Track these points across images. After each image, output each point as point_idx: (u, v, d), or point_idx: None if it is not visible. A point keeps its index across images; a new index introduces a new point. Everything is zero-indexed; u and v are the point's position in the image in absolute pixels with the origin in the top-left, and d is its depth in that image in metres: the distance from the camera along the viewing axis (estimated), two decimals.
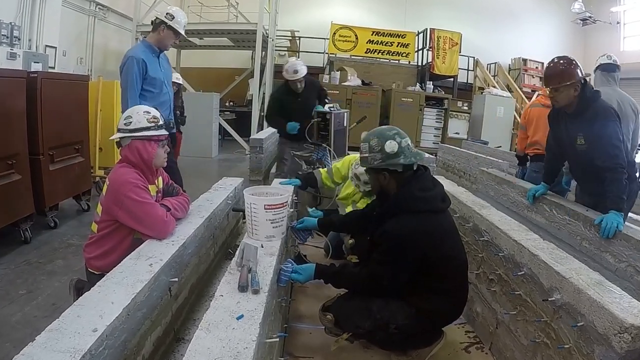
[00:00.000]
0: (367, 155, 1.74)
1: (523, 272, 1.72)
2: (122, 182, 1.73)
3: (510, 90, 10.10)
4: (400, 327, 1.68)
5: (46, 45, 5.33)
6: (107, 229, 1.78)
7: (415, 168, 1.76)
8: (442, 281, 1.69)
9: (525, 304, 1.70)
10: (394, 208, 1.69)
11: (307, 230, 2.02)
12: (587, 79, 2.33)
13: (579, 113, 2.33)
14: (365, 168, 1.83)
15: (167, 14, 2.89)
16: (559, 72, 2.30)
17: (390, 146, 1.69)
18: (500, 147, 7.12)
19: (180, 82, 5.20)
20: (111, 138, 1.90)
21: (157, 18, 2.91)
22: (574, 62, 2.31)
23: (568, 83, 2.27)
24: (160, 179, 2.02)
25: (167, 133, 1.89)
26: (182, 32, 2.95)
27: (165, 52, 3.04)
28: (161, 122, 1.86)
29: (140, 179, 1.78)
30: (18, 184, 3.10)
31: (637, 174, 2.53)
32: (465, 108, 9.04)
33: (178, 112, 5.03)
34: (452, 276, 1.73)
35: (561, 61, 2.33)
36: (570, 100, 2.32)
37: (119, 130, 1.83)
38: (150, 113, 1.85)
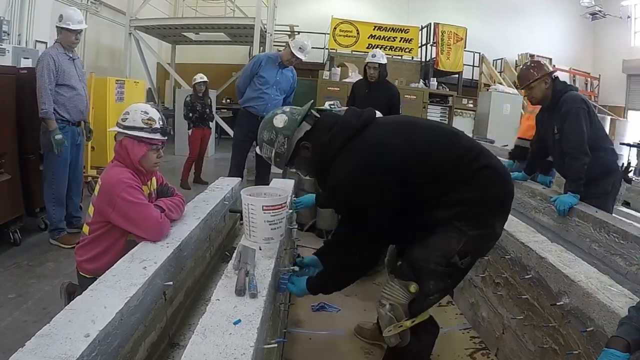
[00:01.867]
0: (274, 151, 1.52)
1: (530, 276, 1.72)
2: (115, 182, 1.72)
3: (517, 87, 10.11)
4: (464, 252, 1.41)
5: (36, 41, 5.33)
6: (99, 231, 1.78)
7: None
8: (446, 180, 1.42)
9: (532, 309, 1.70)
10: (325, 163, 1.47)
11: (284, 280, 1.65)
12: (555, 75, 2.70)
13: (554, 106, 2.66)
14: (288, 165, 1.59)
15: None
16: (527, 72, 2.70)
17: (279, 119, 1.51)
18: (507, 146, 7.11)
19: (206, 79, 5.58)
20: (110, 129, 1.91)
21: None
22: (540, 61, 2.77)
23: (538, 77, 2.63)
24: (153, 179, 2.01)
25: (162, 138, 1.86)
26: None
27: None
28: (157, 126, 1.83)
29: (133, 178, 1.78)
30: (7, 184, 3.10)
31: (620, 164, 2.90)
32: (471, 105, 9.04)
33: (208, 109, 5.59)
34: (455, 168, 1.44)
35: (528, 63, 2.80)
36: (544, 93, 2.67)
37: (117, 124, 1.84)
38: (147, 114, 1.82)
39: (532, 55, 11.31)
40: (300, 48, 3.67)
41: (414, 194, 1.42)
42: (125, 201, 1.70)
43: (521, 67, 2.90)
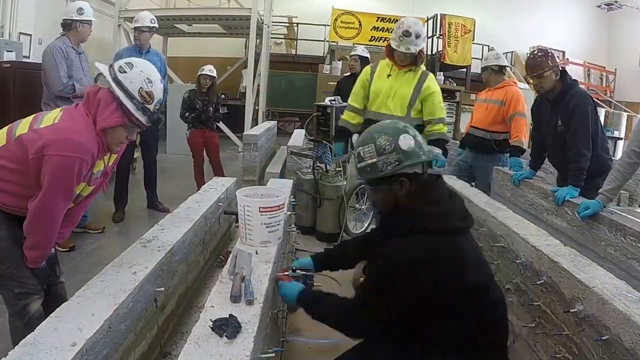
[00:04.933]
0: (374, 160, 1.43)
1: (542, 281, 1.72)
2: (66, 140, 1.43)
3: (528, 82, 10.10)
4: None
5: (20, 33, 5.33)
6: (11, 162, 1.51)
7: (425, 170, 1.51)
8: (459, 330, 1.37)
9: (544, 316, 1.70)
10: (399, 226, 1.43)
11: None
12: (563, 67, 2.82)
13: (560, 99, 2.76)
14: (369, 181, 1.50)
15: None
16: (540, 61, 2.76)
17: (406, 141, 1.43)
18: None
19: (214, 74, 4.95)
20: (97, 64, 1.57)
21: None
22: (549, 51, 2.83)
23: (551, 66, 2.71)
24: (114, 156, 1.73)
25: (145, 124, 1.58)
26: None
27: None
28: (150, 107, 1.55)
29: (92, 152, 1.50)
30: None
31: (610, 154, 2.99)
32: None
33: (211, 108, 4.87)
34: (476, 321, 1.38)
35: (538, 53, 2.84)
36: (553, 84, 2.76)
37: (109, 68, 1.53)
38: (150, 84, 1.53)
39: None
40: (135, 20, 3.99)
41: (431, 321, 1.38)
42: (58, 170, 1.43)
43: (530, 55, 2.97)
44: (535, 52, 2.88)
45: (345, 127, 3.24)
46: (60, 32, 3.34)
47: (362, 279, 1.74)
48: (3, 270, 1.57)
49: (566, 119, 2.73)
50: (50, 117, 1.53)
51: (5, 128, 1.58)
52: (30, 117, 1.57)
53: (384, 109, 3.04)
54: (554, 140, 2.88)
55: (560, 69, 2.79)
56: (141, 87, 1.51)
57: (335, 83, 8.32)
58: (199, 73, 4.88)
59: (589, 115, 2.67)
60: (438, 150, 1.53)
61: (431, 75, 3.07)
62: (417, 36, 2.87)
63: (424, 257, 1.34)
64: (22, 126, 1.53)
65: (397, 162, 1.42)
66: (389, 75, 3.04)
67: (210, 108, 4.86)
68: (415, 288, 1.34)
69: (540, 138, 3.10)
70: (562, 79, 2.77)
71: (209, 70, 4.86)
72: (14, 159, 1.50)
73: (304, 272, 1.74)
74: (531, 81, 2.93)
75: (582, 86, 2.86)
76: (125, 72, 1.50)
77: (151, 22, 3.91)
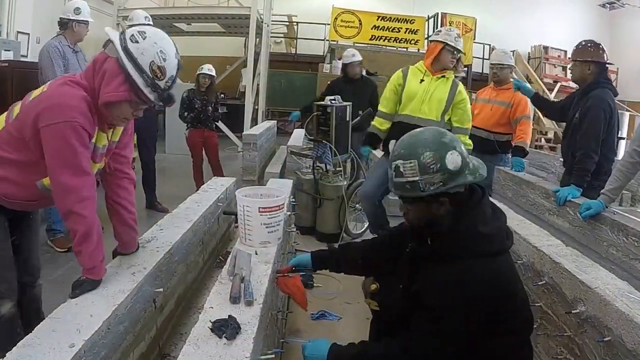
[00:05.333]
0: (416, 179, 1.31)
1: (544, 282, 1.72)
2: (62, 104, 1.32)
3: (530, 81, 10.10)
4: None
5: (18, 32, 5.33)
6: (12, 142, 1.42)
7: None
8: (513, 346, 1.37)
9: (546, 317, 1.70)
10: (452, 249, 1.34)
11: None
12: (607, 66, 2.80)
13: (584, 93, 2.79)
14: (405, 199, 1.39)
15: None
16: (583, 49, 2.80)
17: (453, 160, 1.31)
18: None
19: (213, 74, 4.89)
20: (107, 30, 1.39)
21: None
22: (599, 46, 2.78)
23: (585, 59, 2.75)
24: (119, 130, 1.56)
25: (154, 102, 1.43)
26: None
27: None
28: (161, 84, 1.38)
29: (87, 115, 1.35)
30: None
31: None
32: None
33: (210, 107, 4.82)
34: (517, 343, 1.39)
35: (588, 43, 2.83)
36: (583, 77, 2.80)
37: (120, 37, 1.36)
38: (164, 59, 1.36)
39: (545, 48, 11.33)
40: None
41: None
42: (57, 138, 1.31)
43: (582, 40, 2.95)
44: (587, 41, 2.87)
45: (375, 133, 3.21)
46: (57, 31, 3.34)
47: (373, 286, 1.68)
48: None
49: (581, 115, 2.76)
50: (39, 90, 1.44)
51: (5, 113, 1.51)
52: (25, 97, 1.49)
53: (419, 112, 2.99)
54: (569, 130, 2.92)
55: (602, 66, 2.77)
56: (153, 61, 1.34)
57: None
58: (198, 72, 4.85)
59: (600, 119, 2.67)
60: (484, 169, 1.41)
61: (461, 84, 3.08)
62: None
63: (487, 283, 1.28)
64: (18, 107, 1.46)
65: (441, 183, 1.31)
66: (422, 80, 3.01)
67: (209, 107, 4.83)
68: (474, 320, 1.28)
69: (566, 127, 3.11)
70: (595, 75, 2.76)
71: (208, 69, 4.83)
72: (13, 143, 1.42)
73: (303, 273, 1.72)
74: (570, 65, 3.05)
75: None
76: (137, 41, 1.33)
77: (145, 20, 3.92)
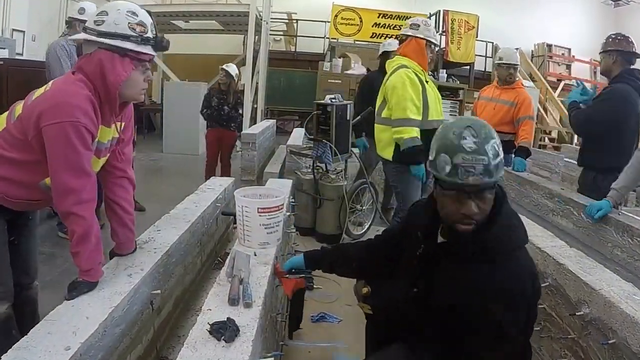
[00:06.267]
0: (492, 168, 1.19)
1: (547, 283, 1.72)
2: (56, 105, 1.32)
3: (533, 80, 10.12)
4: None
5: (13, 29, 5.34)
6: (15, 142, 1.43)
7: None
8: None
9: (550, 319, 1.70)
10: (497, 245, 1.24)
11: None
12: (635, 60, 2.81)
13: (609, 83, 2.83)
14: (493, 184, 1.23)
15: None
16: (605, 42, 2.85)
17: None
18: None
19: (232, 72, 4.82)
20: (74, 37, 1.42)
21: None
22: (627, 38, 2.82)
23: (608, 49, 2.79)
24: (122, 123, 1.57)
25: (152, 53, 1.46)
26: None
27: None
28: (149, 35, 1.42)
29: (89, 112, 1.35)
30: None
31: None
32: None
33: (227, 107, 4.84)
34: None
35: (614, 34, 2.87)
36: (607, 69, 2.84)
37: (86, 29, 1.39)
38: (136, 16, 1.39)
39: (549, 46, 11.33)
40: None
41: None
42: (60, 138, 1.31)
43: (611, 33, 2.95)
44: (615, 34, 2.89)
45: (420, 147, 2.77)
46: (63, 31, 3.42)
47: (364, 290, 1.64)
48: None
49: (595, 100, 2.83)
50: (41, 89, 1.46)
51: (5, 113, 1.51)
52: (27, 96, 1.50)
53: (436, 115, 2.88)
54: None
55: (627, 57, 2.77)
56: (129, 22, 1.38)
57: (337, 81, 8.42)
58: (220, 67, 4.90)
59: (605, 109, 2.70)
60: None
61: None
62: None
63: (535, 275, 1.31)
64: (20, 107, 1.46)
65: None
66: (426, 81, 2.88)
67: (226, 107, 4.85)
68: (524, 313, 1.26)
69: None
70: (620, 66, 2.77)
71: (227, 66, 4.85)
72: (15, 143, 1.42)
73: (303, 275, 1.70)
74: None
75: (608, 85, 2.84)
76: (104, 20, 1.37)
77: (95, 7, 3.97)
